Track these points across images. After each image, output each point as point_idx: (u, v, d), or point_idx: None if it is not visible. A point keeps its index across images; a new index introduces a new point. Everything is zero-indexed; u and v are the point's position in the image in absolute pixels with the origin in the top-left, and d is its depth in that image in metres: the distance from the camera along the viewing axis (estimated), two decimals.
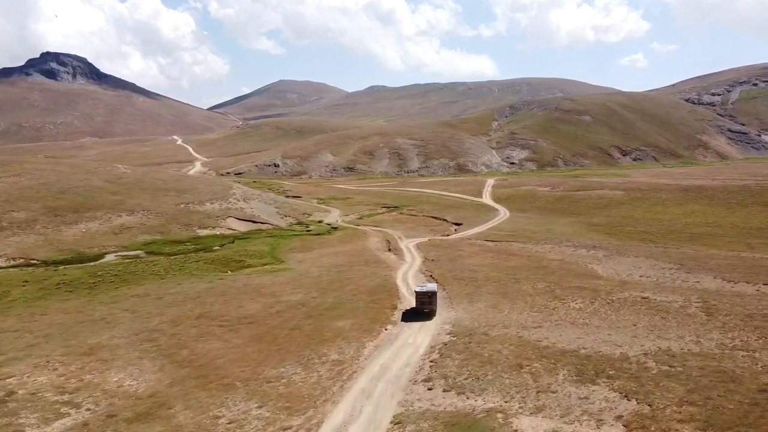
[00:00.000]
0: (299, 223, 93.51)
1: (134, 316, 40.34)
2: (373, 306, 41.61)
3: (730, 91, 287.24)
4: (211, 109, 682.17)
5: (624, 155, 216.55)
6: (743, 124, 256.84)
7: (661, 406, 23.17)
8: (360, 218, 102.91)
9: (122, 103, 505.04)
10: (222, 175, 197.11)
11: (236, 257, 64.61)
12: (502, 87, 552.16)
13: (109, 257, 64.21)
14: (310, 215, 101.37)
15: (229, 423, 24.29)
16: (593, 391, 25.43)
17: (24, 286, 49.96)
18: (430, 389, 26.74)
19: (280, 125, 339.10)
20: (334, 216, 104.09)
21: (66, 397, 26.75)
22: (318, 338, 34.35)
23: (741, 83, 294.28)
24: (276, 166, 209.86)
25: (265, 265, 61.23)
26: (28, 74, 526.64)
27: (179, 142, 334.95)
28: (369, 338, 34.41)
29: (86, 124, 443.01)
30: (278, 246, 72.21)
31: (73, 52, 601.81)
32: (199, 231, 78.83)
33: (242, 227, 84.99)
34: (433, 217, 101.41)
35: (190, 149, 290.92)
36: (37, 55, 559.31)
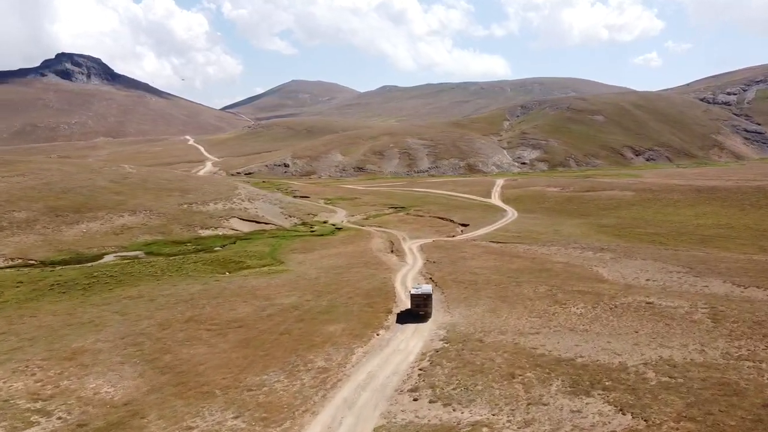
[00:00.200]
0: (303, 224, 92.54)
1: (123, 318, 39.49)
2: (367, 310, 40.45)
3: (746, 90, 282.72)
4: (223, 109, 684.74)
5: (637, 155, 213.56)
6: (759, 124, 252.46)
7: (658, 422, 21.81)
8: (366, 219, 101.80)
9: (135, 103, 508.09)
10: (232, 175, 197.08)
11: (236, 258, 63.73)
12: (515, 86, 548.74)
13: (108, 258, 63.58)
14: (315, 215, 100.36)
15: None
16: (587, 403, 24.09)
17: (18, 287, 49.36)
18: (415, 400, 25.54)
19: (291, 125, 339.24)
20: (339, 216, 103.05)
21: (39, 405, 25.85)
22: (306, 343, 33.26)
23: (757, 82, 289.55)
24: (286, 166, 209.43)
25: (263, 266, 60.26)
26: (43, 75, 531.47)
27: (191, 142, 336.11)
28: (359, 344, 33.24)
29: (99, 124, 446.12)
30: (279, 247, 71.26)
31: (87, 53, 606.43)
32: (201, 231, 78.09)
33: (245, 228, 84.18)
34: (439, 218, 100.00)
35: (202, 149, 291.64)
36: (53, 56, 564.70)
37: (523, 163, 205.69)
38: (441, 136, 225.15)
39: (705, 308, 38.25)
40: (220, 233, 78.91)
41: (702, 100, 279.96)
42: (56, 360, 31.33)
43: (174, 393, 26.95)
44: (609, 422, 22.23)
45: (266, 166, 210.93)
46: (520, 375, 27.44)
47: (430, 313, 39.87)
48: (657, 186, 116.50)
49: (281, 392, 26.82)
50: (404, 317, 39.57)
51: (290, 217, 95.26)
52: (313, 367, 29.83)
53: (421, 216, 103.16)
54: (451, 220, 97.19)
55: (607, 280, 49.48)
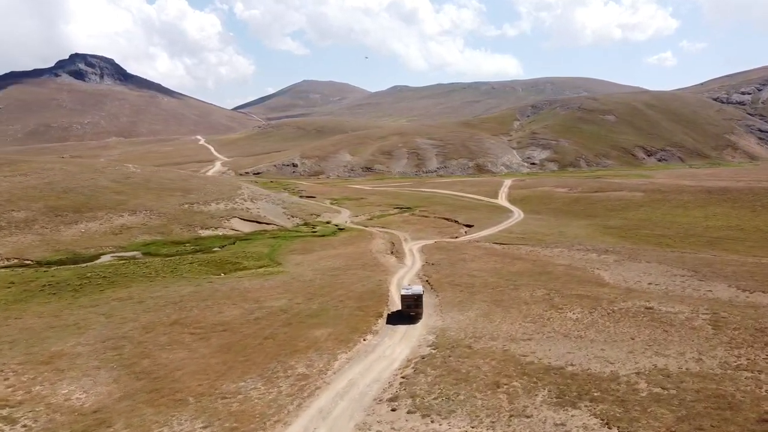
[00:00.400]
0: (306, 224, 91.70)
1: (108, 321, 38.75)
2: (357, 313, 39.40)
3: (761, 89, 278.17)
4: (235, 109, 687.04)
5: (648, 155, 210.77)
6: None
7: None
8: (370, 219, 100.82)
9: (147, 103, 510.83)
10: (240, 174, 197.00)
11: (233, 259, 62.97)
12: (526, 86, 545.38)
13: (105, 258, 63.08)
14: (318, 216, 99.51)
15: None
16: (572, 416, 22.89)
17: (9, 287, 48.87)
18: (393, 410, 24.45)
19: (301, 125, 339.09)
20: (343, 217, 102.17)
21: (5, 412, 25.08)
22: (289, 349, 32.27)
23: None
24: (294, 166, 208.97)
25: (260, 267, 59.41)
26: (56, 75, 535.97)
27: (201, 141, 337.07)
28: (344, 350, 32.20)
29: (112, 124, 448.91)
30: (278, 248, 70.41)
31: (101, 53, 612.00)
32: (201, 231, 77.48)
33: (246, 228, 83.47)
34: (444, 219, 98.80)
35: (212, 149, 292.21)
36: (66, 57, 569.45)
37: (533, 164, 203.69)
38: (450, 136, 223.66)
39: (706, 314, 36.82)
40: (220, 233, 78.25)
41: (716, 99, 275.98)
42: (32, 364, 30.59)
43: (146, 400, 26.07)
44: None
45: (275, 166, 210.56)
46: (505, 384, 26.26)
47: (422, 314, 39.01)
48: (667, 187, 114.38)
49: (256, 400, 25.84)
50: (395, 319, 38.73)
51: (293, 217, 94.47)
52: (293, 373, 28.84)
53: (425, 217, 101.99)
54: (455, 221, 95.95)
55: (608, 284, 48.07)
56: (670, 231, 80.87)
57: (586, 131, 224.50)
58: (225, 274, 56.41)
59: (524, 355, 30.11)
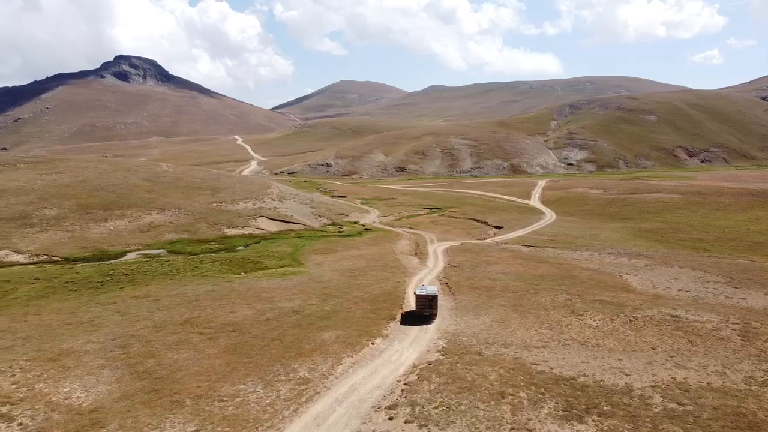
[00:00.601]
0: (333, 224, 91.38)
1: (122, 319, 38.85)
2: (369, 316, 38.59)
3: None
4: (273, 109, 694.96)
5: (691, 156, 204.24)
6: None
7: None
8: (398, 219, 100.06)
9: (188, 103, 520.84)
10: (275, 174, 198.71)
11: (255, 258, 62.92)
12: (566, 86, 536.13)
13: (130, 255, 63.77)
14: (346, 216, 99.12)
15: None
16: (577, 431, 21.57)
17: (33, 283, 49.67)
18: (391, 419, 23.54)
19: (336, 125, 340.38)
20: (371, 217, 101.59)
21: (5, 409, 25.08)
22: (295, 351, 31.66)
23: None
24: (328, 165, 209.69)
25: (280, 267, 59.16)
26: (102, 76, 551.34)
27: (239, 141, 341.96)
28: (350, 353, 31.41)
29: (153, 124, 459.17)
30: (302, 247, 70.15)
31: (145, 55, 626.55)
32: (227, 230, 77.82)
33: (273, 227, 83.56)
34: (473, 220, 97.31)
35: (249, 148, 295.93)
36: (111, 58, 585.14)
37: (570, 164, 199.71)
38: (485, 136, 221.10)
39: (736, 324, 34.79)
40: (246, 232, 78.46)
41: (764, 98, 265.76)
42: (40, 361, 30.72)
43: (144, 401, 25.77)
44: None
45: (309, 165, 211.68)
46: (511, 395, 25.07)
47: (436, 315, 38.45)
48: (707, 189, 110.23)
49: (253, 404, 25.27)
50: (409, 319, 38.08)
51: (320, 217, 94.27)
52: (295, 377, 28.20)
53: (455, 217, 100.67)
54: (485, 222, 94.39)
55: (635, 290, 46.13)
56: (708, 235, 77.69)
57: (626, 131, 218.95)
58: (246, 273, 56.32)
59: (535, 364, 28.81)
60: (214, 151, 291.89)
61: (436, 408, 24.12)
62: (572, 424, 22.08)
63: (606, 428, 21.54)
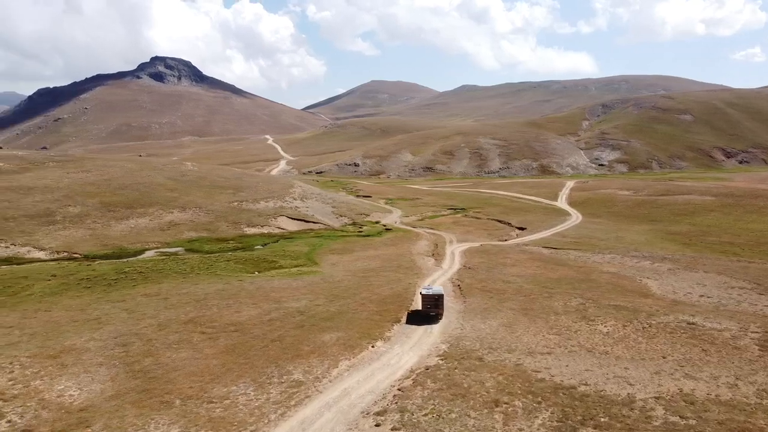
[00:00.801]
0: (353, 224, 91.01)
1: (129, 317, 38.99)
2: (374, 317, 37.94)
3: None
4: (304, 109, 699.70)
5: (728, 157, 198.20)
6: None
7: None
8: (420, 220, 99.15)
9: (221, 103, 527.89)
10: (303, 173, 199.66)
11: (270, 257, 62.86)
12: (599, 85, 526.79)
13: (149, 253, 64.35)
14: (367, 215, 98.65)
15: None
16: None
17: (49, 280, 50.36)
18: (378, 425, 22.83)
19: (366, 125, 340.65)
20: (393, 217, 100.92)
21: None
22: (292, 353, 31.19)
23: None
24: (356, 165, 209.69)
25: (294, 267, 58.94)
26: (138, 77, 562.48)
27: (270, 141, 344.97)
28: (347, 356, 30.79)
29: (187, 124, 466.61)
30: (319, 247, 69.88)
31: (180, 57, 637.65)
32: (246, 229, 78.08)
33: (293, 226, 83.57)
34: (496, 221, 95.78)
35: (279, 148, 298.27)
36: (147, 60, 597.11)
37: (601, 165, 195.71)
38: (515, 135, 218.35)
39: (757, 332, 33.10)
40: (265, 231, 78.60)
41: None
42: (40, 358, 30.88)
43: (133, 401, 25.59)
44: None
45: (337, 165, 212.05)
46: (505, 403, 24.12)
47: (441, 315, 37.95)
48: (741, 191, 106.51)
49: (241, 407, 24.85)
50: (415, 319, 37.60)
51: (341, 216, 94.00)
52: (288, 379, 27.71)
53: (478, 218, 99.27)
54: (508, 223, 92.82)
55: (653, 295, 44.47)
56: (740, 238, 74.83)
57: (660, 131, 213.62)
58: (259, 272, 56.24)
59: (537, 371, 27.77)
60: (244, 150, 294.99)
61: (426, 415, 23.33)
62: None
63: None
